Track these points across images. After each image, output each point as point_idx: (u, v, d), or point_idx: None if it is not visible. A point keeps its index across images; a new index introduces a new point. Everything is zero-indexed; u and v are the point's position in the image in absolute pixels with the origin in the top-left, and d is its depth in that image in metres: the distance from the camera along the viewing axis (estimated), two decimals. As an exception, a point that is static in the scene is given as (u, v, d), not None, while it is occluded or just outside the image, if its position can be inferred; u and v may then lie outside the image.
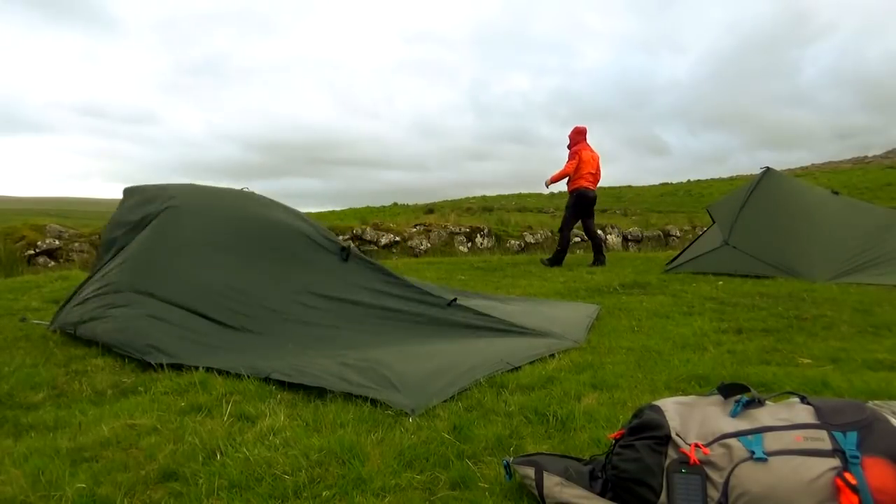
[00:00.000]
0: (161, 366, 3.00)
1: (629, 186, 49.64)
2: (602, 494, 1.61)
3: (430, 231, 11.74)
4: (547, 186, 8.45)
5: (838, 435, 1.44)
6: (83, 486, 1.73)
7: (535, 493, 1.66)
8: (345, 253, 4.09)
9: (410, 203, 33.38)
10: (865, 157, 55.18)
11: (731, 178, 47.29)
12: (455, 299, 3.95)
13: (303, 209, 4.30)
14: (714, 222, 7.89)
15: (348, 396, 2.47)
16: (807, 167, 54.15)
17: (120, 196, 4.55)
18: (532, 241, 12.36)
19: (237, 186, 4.81)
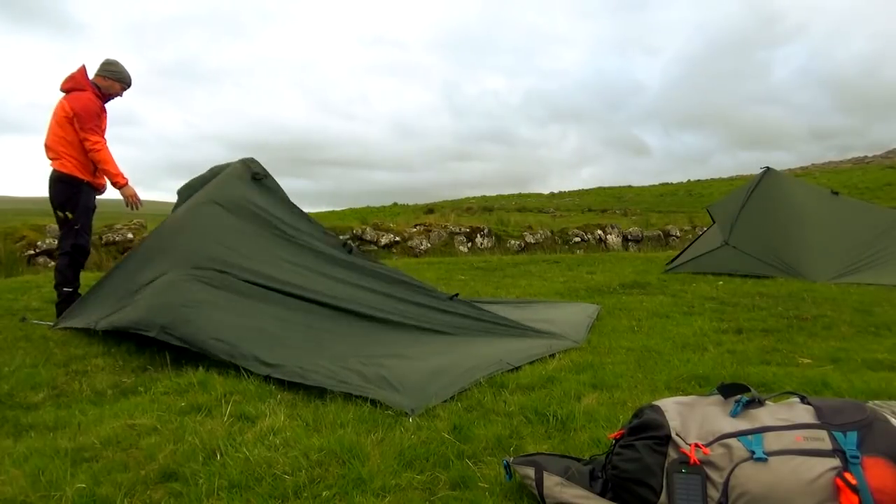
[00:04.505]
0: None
1: (629, 186, 49.67)
2: (602, 494, 1.61)
3: (430, 231, 11.73)
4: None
5: (838, 435, 1.44)
6: (83, 486, 1.72)
7: (535, 493, 1.65)
8: (348, 248, 4.10)
9: (410, 203, 33.40)
10: (865, 157, 55.18)
11: (731, 179, 47.31)
12: (457, 294, 3.97)
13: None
14: (714, 222, 7.90)
15: (348, 396, 2.47)
16: (807, 167, 54.16)
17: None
18: (532, 241, 12.35)
19: None
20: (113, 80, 4.58)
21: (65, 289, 4.44)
